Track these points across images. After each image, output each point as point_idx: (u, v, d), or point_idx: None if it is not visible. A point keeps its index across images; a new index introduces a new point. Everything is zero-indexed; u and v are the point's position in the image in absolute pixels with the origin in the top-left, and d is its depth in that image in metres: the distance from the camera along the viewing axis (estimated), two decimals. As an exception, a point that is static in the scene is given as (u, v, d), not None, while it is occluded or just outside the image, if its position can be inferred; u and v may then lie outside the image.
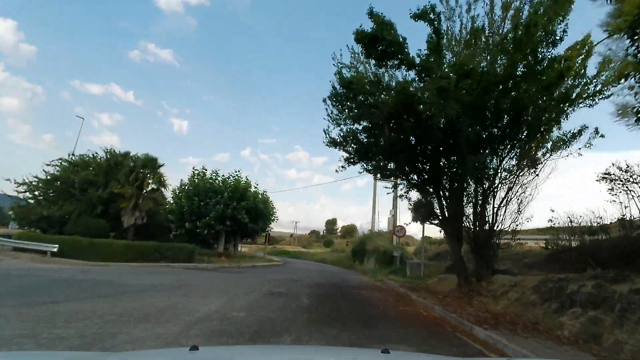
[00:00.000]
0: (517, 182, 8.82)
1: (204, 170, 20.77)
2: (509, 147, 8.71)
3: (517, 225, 9.04)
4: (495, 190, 8.93)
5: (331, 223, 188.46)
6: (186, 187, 20.28)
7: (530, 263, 9.37)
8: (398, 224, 20.38)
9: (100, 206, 17.92)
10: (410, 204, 11.19)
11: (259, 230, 23.96)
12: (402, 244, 25.05)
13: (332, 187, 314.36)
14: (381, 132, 8.69)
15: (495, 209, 8.80)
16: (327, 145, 10.01)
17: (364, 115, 8.60)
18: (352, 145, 9.72)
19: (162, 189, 20.58)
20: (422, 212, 10.17)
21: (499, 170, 8.90)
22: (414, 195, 11.22)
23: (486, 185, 8.97)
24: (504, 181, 8.97)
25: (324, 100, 9.50)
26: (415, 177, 10.00)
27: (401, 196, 11.98)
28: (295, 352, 2.27)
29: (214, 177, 20.75)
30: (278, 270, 18.20)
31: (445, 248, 16.76)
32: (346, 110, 9.29)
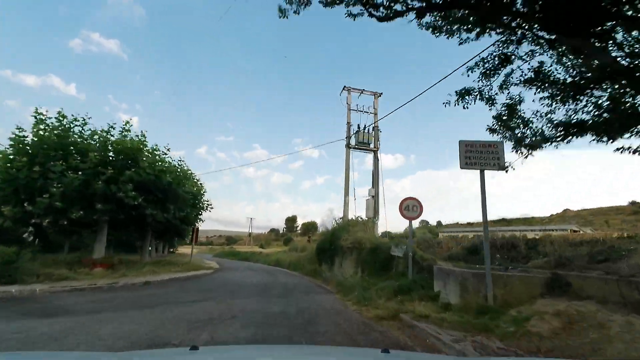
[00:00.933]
0: None
1: (60, 118, 11.66)
2: None
3: None
4: None
5: (291, 220, 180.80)
6: (24, 142, 11.19)
7: None
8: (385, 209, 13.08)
9: None
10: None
11: (175, 221, 15.45)
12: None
13: (292, 186, 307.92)
14: None
15: None
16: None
17: None
18: None
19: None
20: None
21: None
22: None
23: None
24: None
25: None
26: None
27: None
28: (294, 351, 2.30)
29: (73, 126, 11.86)
30: (185, 289, 10.09)
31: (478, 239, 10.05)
32: None
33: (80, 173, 10.78)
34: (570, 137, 5.85)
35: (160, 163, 12.96)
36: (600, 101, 5.37)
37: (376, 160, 18.51)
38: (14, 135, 11.02)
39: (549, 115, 6.23)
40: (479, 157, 5.84)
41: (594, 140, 5.58)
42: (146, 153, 12.58)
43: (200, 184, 19.35)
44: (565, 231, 27.18)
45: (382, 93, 19.43)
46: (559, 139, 6.03)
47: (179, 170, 15.47)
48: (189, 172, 18.29)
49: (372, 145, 18.68)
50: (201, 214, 21.14)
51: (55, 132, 11.11)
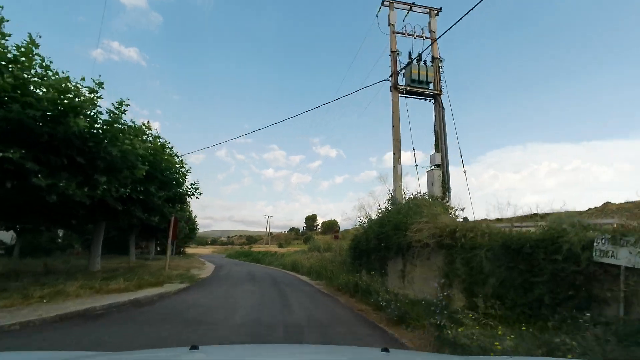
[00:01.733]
0: None
1: None
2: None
3: None
4: None
5: (311, 219, 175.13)
6: None
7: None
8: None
9: None
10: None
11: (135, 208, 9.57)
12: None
13: (311, 186, 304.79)
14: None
15: None
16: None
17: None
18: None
19: None
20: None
21: None
22: None
23: None
24: None
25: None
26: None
27: None
28: (294, 351, 2.29)
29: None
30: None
31: None
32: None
33: None
34: None
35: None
36: None
37: (440, 109, 11.88)
38: None
39: None
40: None
41: None
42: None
43: (177, 156, 13.39)
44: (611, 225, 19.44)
45: (440, 9, 12.77)
46: None
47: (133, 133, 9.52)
48: (166, 142, 12.51)
49: (432, 87, 12.06)
50: (185, 202, 15.30)
51: None
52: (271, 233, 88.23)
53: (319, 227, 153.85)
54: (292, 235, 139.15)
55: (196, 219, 42.57)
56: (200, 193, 15.34)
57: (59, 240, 26.31)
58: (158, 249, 37.60)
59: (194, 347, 1.59)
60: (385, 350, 1.63)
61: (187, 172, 14.44)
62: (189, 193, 14.62)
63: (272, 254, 31.26)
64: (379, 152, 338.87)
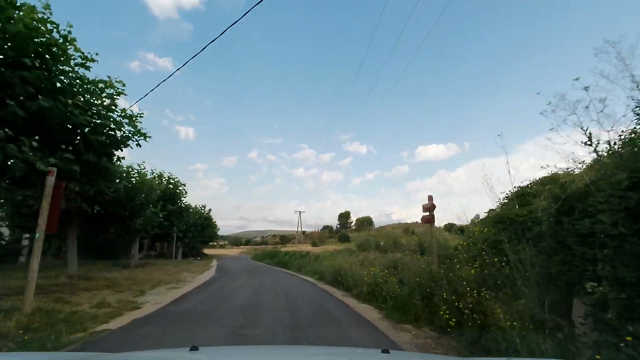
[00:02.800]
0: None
1: None
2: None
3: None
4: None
5: (344, 216, 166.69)
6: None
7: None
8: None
9: None
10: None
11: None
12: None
13: (342, 184, 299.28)
14: None
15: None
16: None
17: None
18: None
19: None
20: None
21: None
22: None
23: None
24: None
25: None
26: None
27: None
28: (295, 352, 2.25)
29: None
30: None
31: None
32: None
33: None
34: None
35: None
36: None
37: None
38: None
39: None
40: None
41: None
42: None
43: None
44: None
45: None
46: None
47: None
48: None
49: None
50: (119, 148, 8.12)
51: None
52: (304, 232, 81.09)
53: (352, 224, 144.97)
54: (326, 234, 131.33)
55: (215, 221, 37.51)
56: (148, 136, 8.12)
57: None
58: (167, 251, 31.57)
59: (194, 348, 1.58)
60: (386, 351, 1.65)
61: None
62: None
63: (303, 255, 23.49)
64: (410, 145, 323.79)
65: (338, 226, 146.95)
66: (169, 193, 24.70)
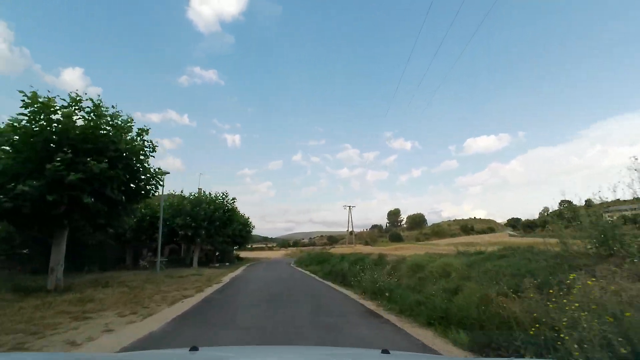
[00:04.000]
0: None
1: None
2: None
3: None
4: None
5: (394, 214, 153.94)
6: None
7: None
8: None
9: None
10: None
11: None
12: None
13: (388, 182, 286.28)
14: None
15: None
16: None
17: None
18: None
19: None
20: None
21: None
22: None
23: None
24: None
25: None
26: None
27: None
28: (295, 352, 2.25)
29: None
30: None
31: None
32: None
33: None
34: None
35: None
36: None
37: None
38: None
39: None
40: None
41: None
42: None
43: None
44: None
45: None
46: None
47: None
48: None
49: None
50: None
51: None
52: (352, 232, 73.68)
53: (403, 222, 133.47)
54: (376, 232, 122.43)
55: (250, 223, 31.06)
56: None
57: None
58: (186, 256, 26.25)
59: (193, 348, 1.57)
60: (386, 351, 1.64)
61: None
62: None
63: (361, 258, 16.20)
64: (457, 138, 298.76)
65: (387, 225, 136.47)
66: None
